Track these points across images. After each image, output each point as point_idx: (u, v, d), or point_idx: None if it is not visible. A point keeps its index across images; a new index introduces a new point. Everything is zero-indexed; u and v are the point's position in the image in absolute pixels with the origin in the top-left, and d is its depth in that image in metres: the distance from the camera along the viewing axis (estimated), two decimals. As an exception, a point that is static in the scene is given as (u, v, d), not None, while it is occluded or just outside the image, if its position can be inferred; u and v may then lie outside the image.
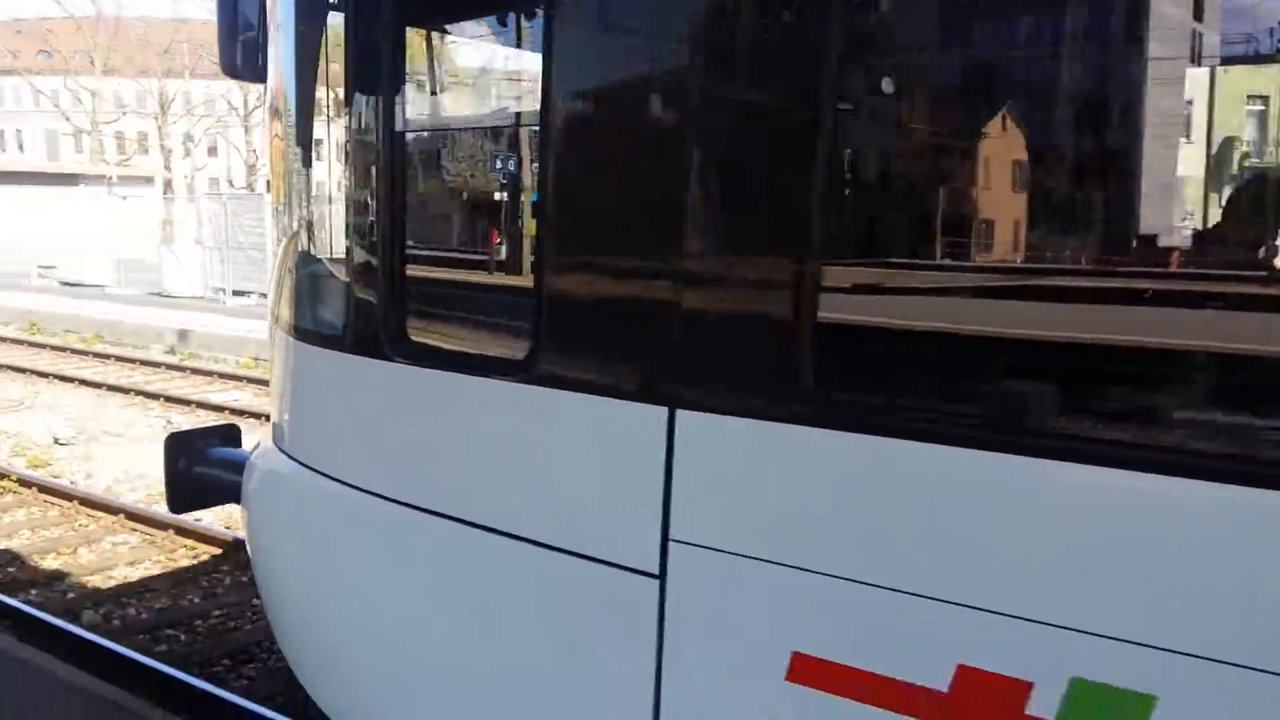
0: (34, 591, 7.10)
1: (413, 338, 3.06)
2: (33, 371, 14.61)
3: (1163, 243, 2.23)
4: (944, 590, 2.02)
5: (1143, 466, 1.86)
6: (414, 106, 3.28)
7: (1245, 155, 2.23)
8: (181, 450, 4.30)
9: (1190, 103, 2.19)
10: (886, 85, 2.46)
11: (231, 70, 4.00)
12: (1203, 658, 1.75)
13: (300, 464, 3.48)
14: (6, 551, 7.88)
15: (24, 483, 9.42)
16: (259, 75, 3.82)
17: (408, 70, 3.15)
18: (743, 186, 2.32)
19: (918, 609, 2.05)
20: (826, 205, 2.25)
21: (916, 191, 2.56)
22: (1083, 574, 1.90)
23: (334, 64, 3.28)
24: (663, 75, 2.42)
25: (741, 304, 2.33)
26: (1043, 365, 2.18)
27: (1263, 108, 2.21)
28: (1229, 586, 1.77)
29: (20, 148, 68.56)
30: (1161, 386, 2.08)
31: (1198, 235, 2.22)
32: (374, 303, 3.10)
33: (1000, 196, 2.35)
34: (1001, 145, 2.32)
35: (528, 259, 3.03)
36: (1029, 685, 1.92)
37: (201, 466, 4.28)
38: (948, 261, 2.45)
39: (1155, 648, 1.79)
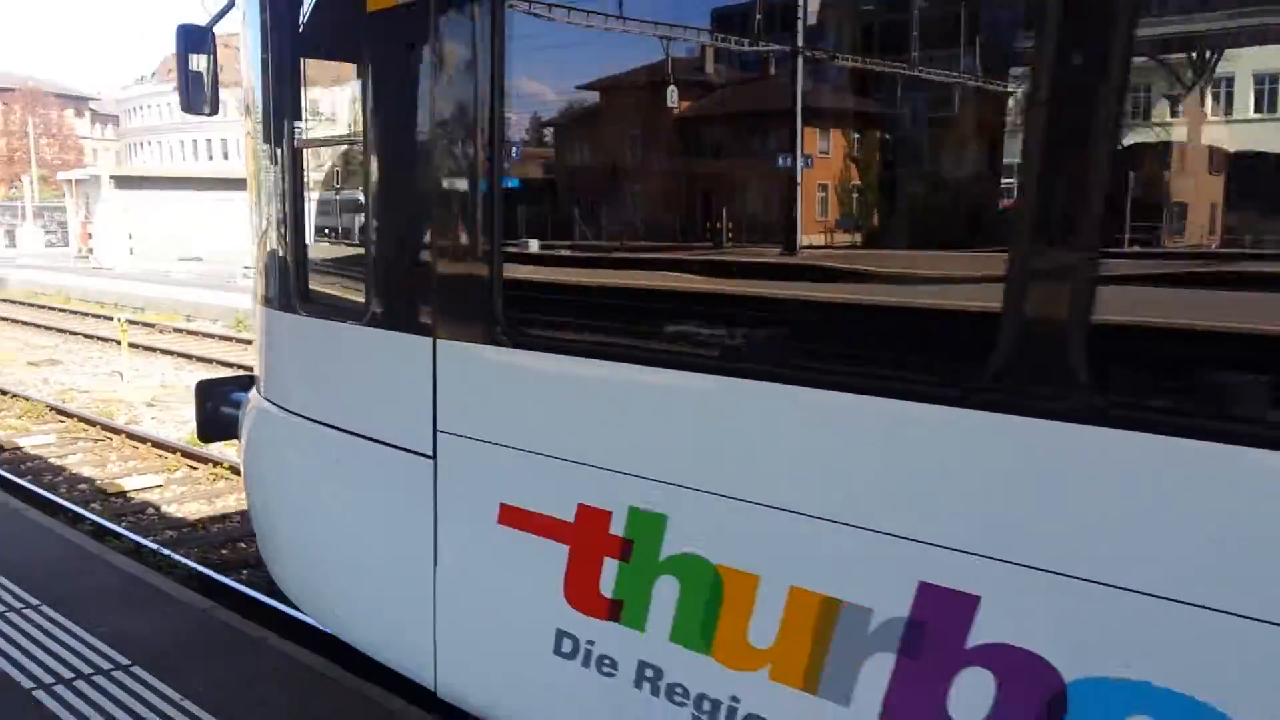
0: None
1: (309, 298, 4.48)
2: (239, 365, 15.15)
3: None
4: (571, 453, 3.32)
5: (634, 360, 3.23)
6: (303, 130, 4.61)
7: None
8: (208, 394, 5.46)
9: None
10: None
11: (186, 107, 5.08)
12: (690, 488, 3.01)
13: (263, 397, 4.75)
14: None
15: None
16: (212, 110, 5.08)
17: (301, 104, 4.55)
18: (439, 192, 3.73)
19: (558, 467, 3.35)
20: (509, 200, 3.67)
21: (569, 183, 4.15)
22: (628, 440, 3.23)
23: (255, 105, 4.69)
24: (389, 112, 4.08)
25: (460, 272, 3.68)
26: (663, 305, 3.52)
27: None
28: (694, 445, 3.06)
29: (240, 154, 70.02)
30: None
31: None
32: (288, 273, 4.50)
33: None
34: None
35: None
36: (609, 513, 3.20)
37: (225, 407, 5.31)
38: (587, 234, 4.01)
39: (667, 483, 3.07)
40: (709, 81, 3.62)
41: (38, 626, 5.11)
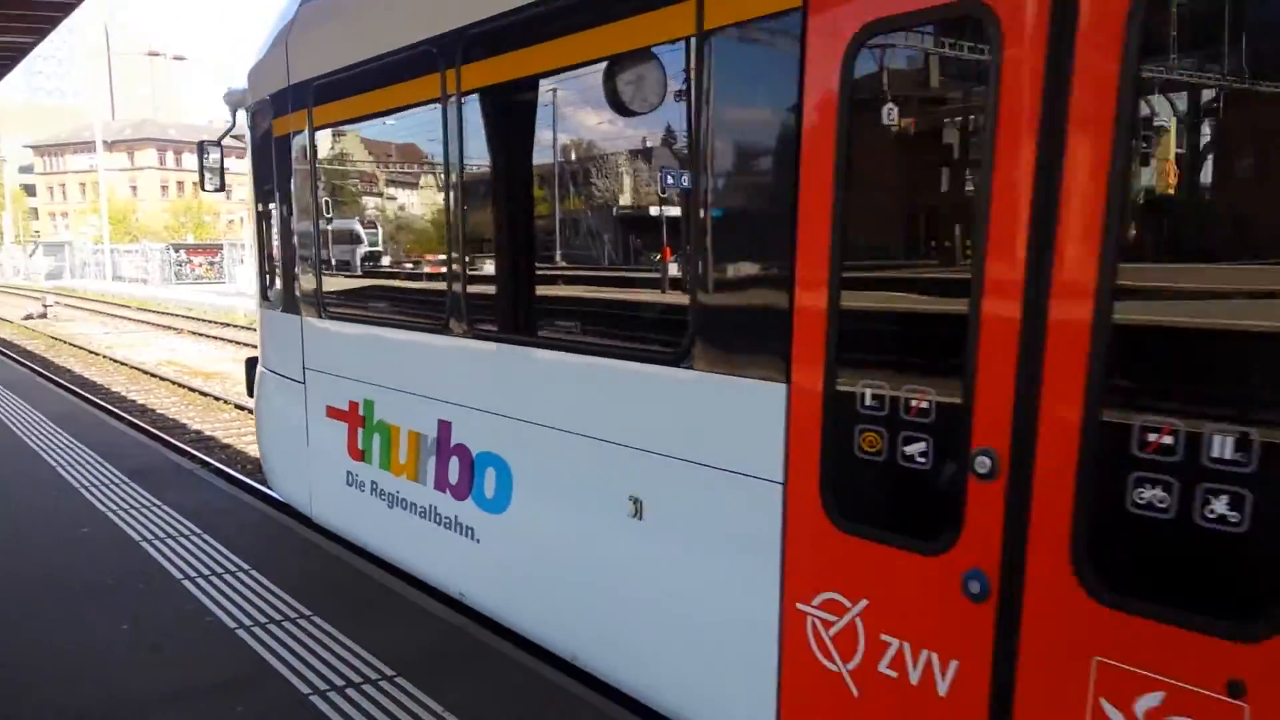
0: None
1: (266, 296, 8.19)
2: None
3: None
4: (346, 373, 6.80)
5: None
6: (259, 198, 8.29)
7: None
8: (250, 366, 9.02)
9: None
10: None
11: (204, 189, 9.00)
12: (384, 386, 6.44)
13: (261, 364, 8.45)
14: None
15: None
16: (221, 190, 8.98)
17: (258, 182, 8.18)
18: (299, 236, 7.29)
19: (341, 382, 6.84)
20: (323, 240, 7.04)
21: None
22: (366, 365, 6.65)
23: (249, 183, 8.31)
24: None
25: (308, 281, 7.15)
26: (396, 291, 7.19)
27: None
28: (384, 365, 6.43)
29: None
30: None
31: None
32: (261, 282, 8.30)
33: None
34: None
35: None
36: (358, 403, 6.67)
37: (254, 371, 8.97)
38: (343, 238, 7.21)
39: (376, 385, 6.55)
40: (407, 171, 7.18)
41: (310, 635, 5.53)
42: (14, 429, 11.69)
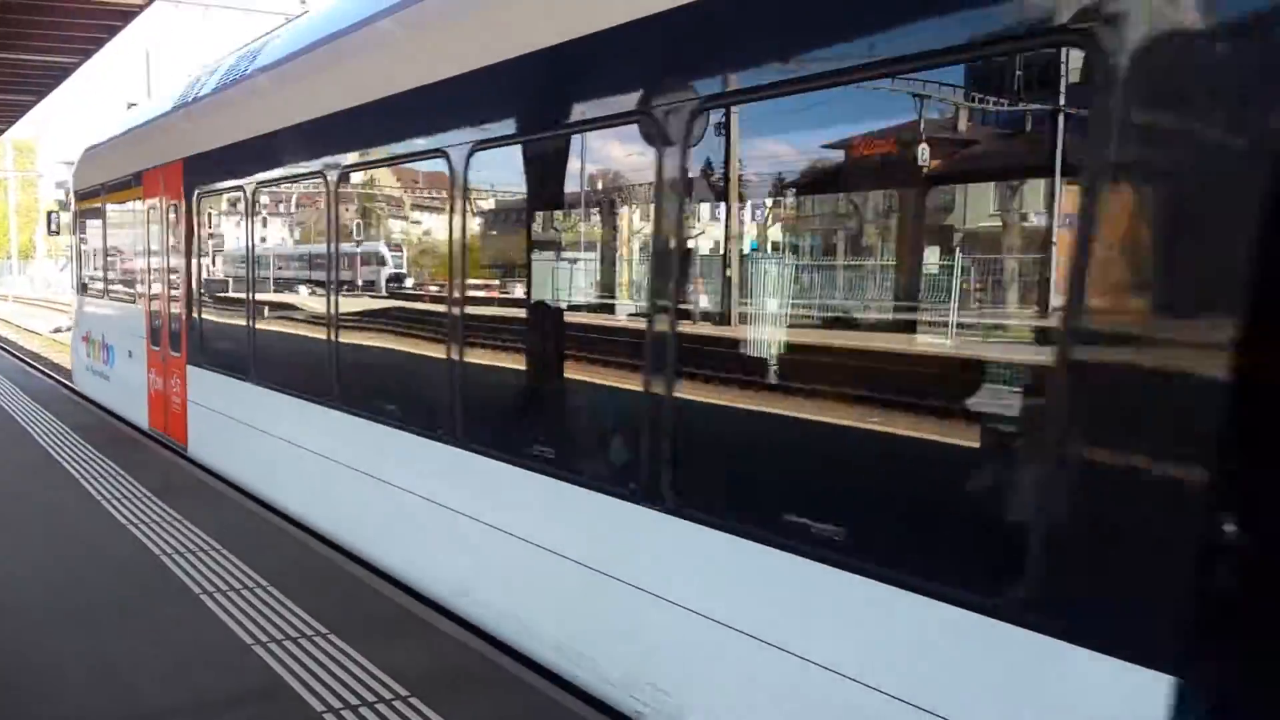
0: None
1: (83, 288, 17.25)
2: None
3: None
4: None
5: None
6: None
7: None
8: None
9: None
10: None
11: (50, 234, 21.33)
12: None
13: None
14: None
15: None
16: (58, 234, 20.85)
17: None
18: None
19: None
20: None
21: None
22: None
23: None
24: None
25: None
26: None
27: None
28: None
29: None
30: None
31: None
32: (76, 278, 18.22)
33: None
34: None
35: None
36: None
37: None
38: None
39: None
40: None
41: (326, 654, 5.57)
42: (39, 440, 11.84)
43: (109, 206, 14.72)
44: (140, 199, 12.87)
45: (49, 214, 20.35)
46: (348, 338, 7.90)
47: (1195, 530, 2.73)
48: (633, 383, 4.67)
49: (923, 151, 3.95)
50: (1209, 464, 2.70)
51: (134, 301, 13.64)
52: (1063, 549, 3.03)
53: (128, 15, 16.23)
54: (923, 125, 3.84)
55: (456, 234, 6.19)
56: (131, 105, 20.77)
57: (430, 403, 6.52)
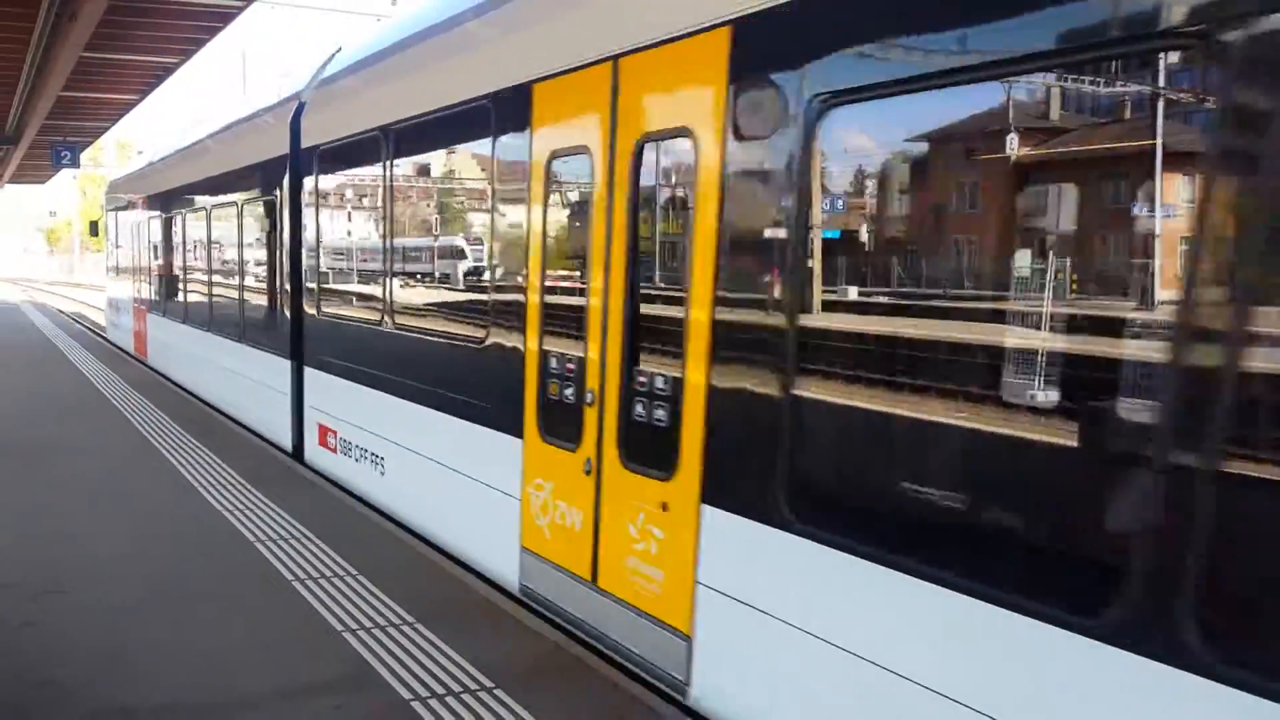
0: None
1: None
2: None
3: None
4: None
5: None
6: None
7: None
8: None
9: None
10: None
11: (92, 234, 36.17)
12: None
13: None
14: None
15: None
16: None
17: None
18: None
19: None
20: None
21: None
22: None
23: None
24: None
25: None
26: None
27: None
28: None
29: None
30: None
31: None
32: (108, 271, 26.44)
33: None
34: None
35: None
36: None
37: None
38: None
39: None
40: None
41: (414, 643, 5.65)
42: (141, 430, 12.24)
43: (121, 216, 22.71)
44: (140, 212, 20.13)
45: (92, 222, 34.78)
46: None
47: None
48: None
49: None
50: None
51: (132, 279, 21.40)
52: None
53: (227, 16, 16.68)
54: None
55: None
56: (139, 153, 30.93)
57: None
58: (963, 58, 3.55)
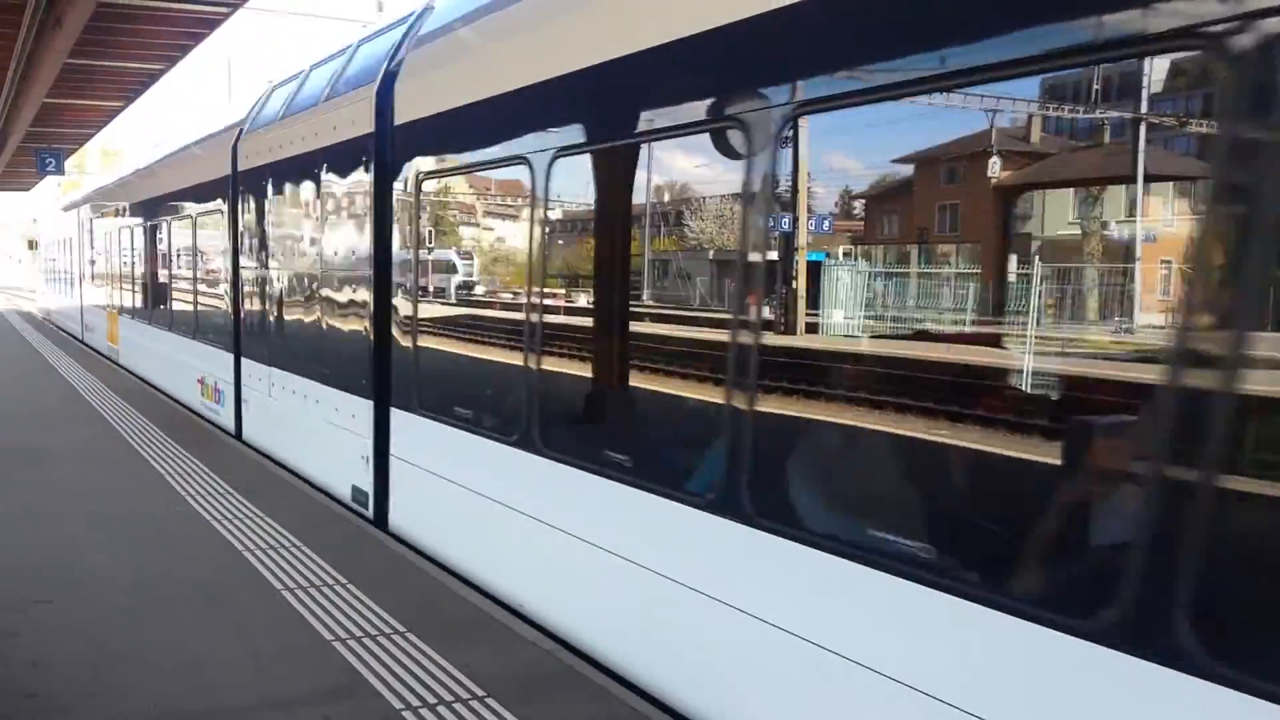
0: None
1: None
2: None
3: None
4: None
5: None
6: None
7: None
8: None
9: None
10: None
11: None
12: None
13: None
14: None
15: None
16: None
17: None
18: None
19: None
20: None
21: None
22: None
23: None
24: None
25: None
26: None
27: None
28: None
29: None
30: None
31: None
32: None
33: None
34: None
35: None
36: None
37: None
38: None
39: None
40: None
41: (404, 652, 5.61)
42: (128, 439, 12.17)
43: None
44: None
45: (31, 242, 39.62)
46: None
47: None
48: None
49: None
50: None
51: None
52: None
53: (211, 23, 16.62)
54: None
55: None
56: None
57: None
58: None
